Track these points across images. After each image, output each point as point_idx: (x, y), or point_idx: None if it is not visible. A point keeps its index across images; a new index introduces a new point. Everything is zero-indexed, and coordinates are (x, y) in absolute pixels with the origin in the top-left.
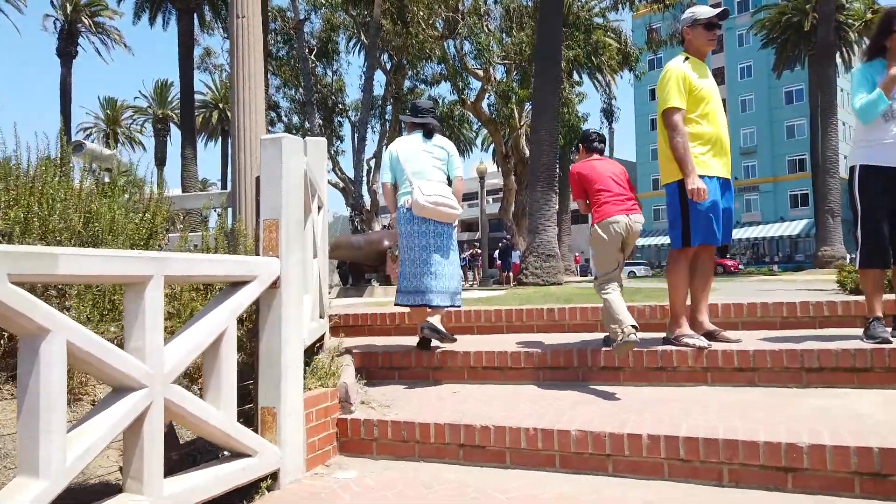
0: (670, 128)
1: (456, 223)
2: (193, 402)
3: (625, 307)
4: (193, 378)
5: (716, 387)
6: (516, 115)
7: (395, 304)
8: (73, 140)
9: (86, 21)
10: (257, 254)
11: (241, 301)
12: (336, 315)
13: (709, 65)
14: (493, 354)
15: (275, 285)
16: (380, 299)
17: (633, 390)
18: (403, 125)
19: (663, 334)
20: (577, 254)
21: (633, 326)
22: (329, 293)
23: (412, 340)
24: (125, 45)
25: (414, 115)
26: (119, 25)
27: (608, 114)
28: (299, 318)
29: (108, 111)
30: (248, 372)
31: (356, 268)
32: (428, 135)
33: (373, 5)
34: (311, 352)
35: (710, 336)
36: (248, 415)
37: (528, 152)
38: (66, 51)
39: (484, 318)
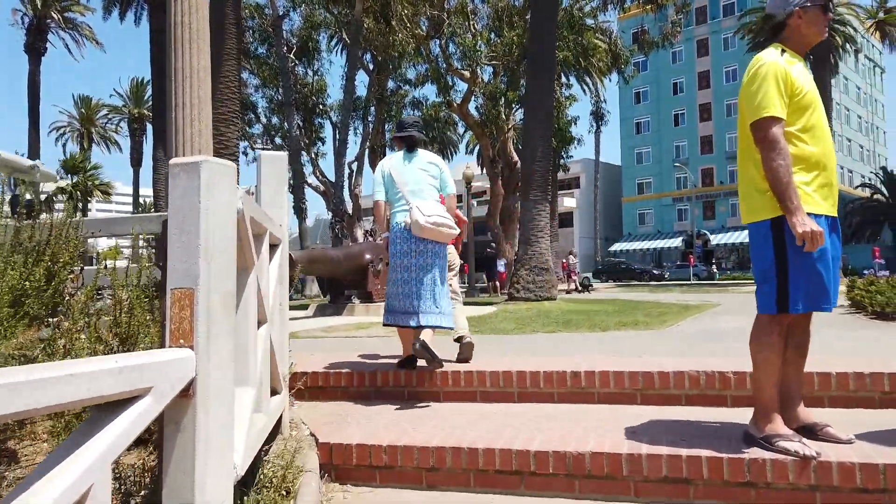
0: (767, 145)
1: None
2: None
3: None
4: None
5: None
6: (504, 117)
7: (385, 325)
8: None
9: (55, 16)
10: (162, 342)
11: (121, 432)
12: (302, 372)
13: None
14: (509, 454)
15: (187, 393)
16: (360, 318)
17: None
18: (393, 144)
19: (733, 420)
20: (563, 259)
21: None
22: (306, 310)
23: (398, 415)
24: (96, 42)
25: (399, 130)
26: (90, 21)
27: (598, 117)
28: (228, 439)
29: (82, 110)
30: None
31: (335, 284)
32: (410, 148)
33: (354, 2)
34: (259, 450)
35: (809, 433)
36: None
37: (515, 157)
38: (35, 47)
39: (490, 381)
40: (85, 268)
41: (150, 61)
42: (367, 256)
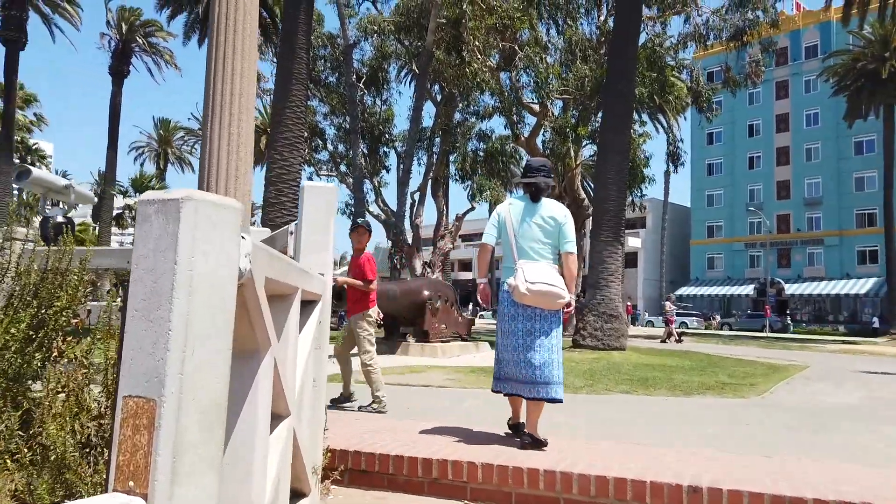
0: None
1: (568, 306)
2: None
3: None
4: None
5: None
6: (572, 153)
7: (493, 391)
8: (16, 165)
9: (140, 41)
10: (106, 483)
11: None
12: (342, 451)
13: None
14: None
15: None
16: (415, 360)
17: None
18: (514, 186)
19: None
20: (627, 303)
21: None
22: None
23: None
24: (176, 66)
25: (523, 175)
26: (170, 46)
27: (674, 157)
28: None
29: (160, 131)
30: None
31: (389, 321)
32: (535, 197)
33: (426, 33)
34: None
35: None
36: None
37: (583, 193)
38: (119, 70)
39: (579, 486)
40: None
41: None
42: (426, 293)
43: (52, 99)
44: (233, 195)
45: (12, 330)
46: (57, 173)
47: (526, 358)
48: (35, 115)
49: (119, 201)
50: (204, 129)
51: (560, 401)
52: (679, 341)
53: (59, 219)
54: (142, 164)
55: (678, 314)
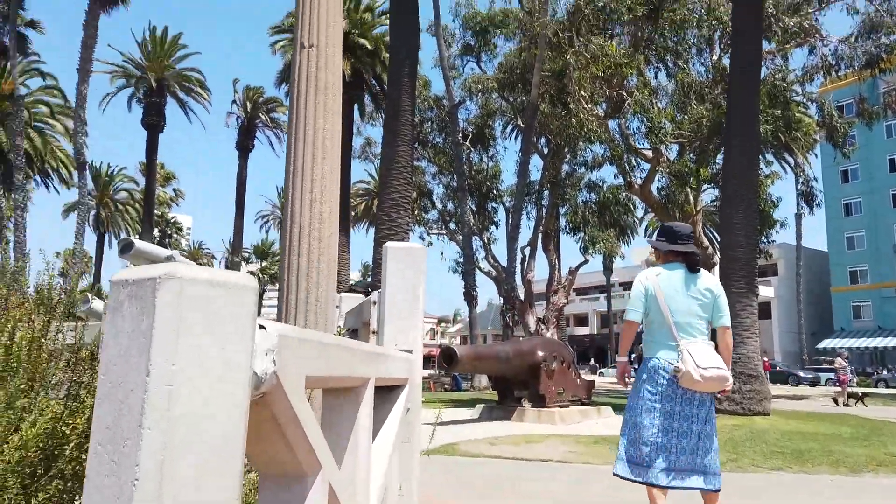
0: None
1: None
2: None
3: None
4: None
5: None
6: (692, 199)
7: (620, 476)
8: (121, 238)
9: (263, 117)
10: None
11: None
12: None
13: None
14: None
15: None
16: (531, 427)
17: None
18: (660, 256)
19: None
20: (764, 359)
21: None
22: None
23: None
24: None
25: (671, 241)
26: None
27: (808, 198)
28: None
29: (282, 199)
30: None
31: (503, 384)
32: (692, 267)
33: (530, 87)
34: None
35: None
36: None
37: (705, 241)
38: (244, 144)
39: None
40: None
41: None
42: (540, 354)
43: (188, 174)
44: (315, 261)
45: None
46: (194, 245)
47: (678, 443)
48: (174, 190)
49: (244, 268)
50: (286, 192)
51: (718, 490)
52: (853, 403)
53: None
54: (266, 231)
55: (823, 369)
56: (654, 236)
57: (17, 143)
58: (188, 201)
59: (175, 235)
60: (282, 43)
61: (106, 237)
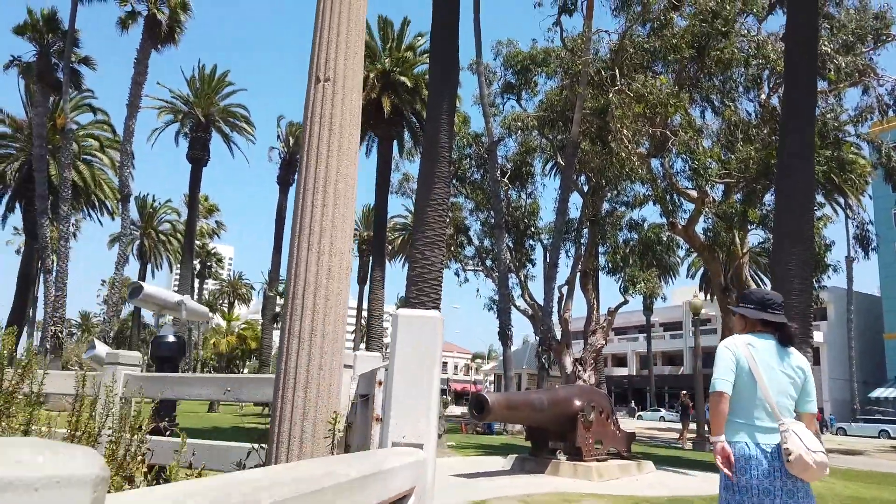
0: None
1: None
2: None
3: None
4: None
5: None
6: (738, 241)
7: None
8: (131, 282)
9: None
10: None
11: None
12: None
13: None
14: None
15: None
16: (566, 484)
17: None
18: (734, 316)
19: None
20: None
21: None
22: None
23: None
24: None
25: (762, 309)
26: None
27: (863, 242)
28: None
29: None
30: None
31: (537, 434)
32: (786, 342)
33: (570, 125)
34: None
35: None
36: None
37: (752, 285)
38: (285, 179)
39: None
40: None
41: (374, 187)
42: (577, 403)
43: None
44: (320, 323)
45: None
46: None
47: None
48: (216, 222)
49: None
50: (291, 242)
51: None
52: None
53: (171, 338)
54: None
55: (874, 420)
56: (738, 303)
57: (65, 176)
58: (232, 232)
59: (214, 266)
60: None
61: (149, 266)
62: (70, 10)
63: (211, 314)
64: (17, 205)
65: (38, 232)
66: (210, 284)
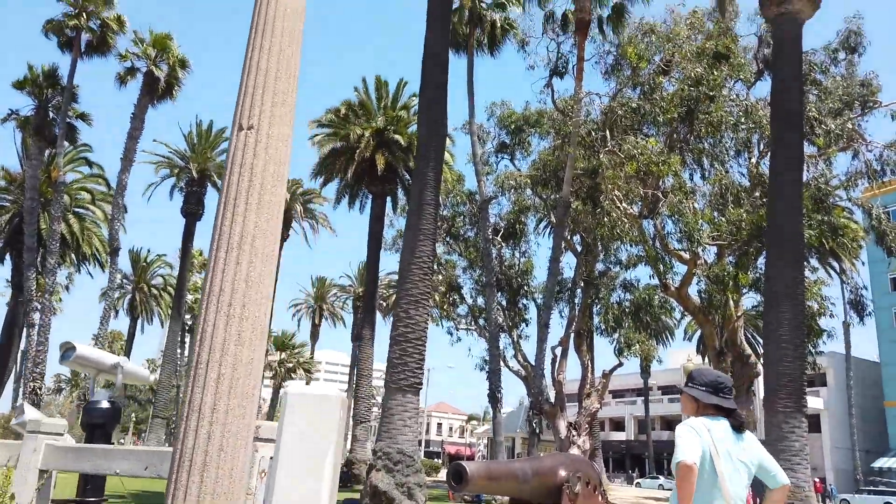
0: None
1: None
2: None
3: None
4: None
5: None
6: (732, 303)
7: None
8: (63, 343)
9: (299, 208)
10: None
11: None
12: None
13: None
14: None
15: None
16: None
17: None
18: (683, 395)
19: None
20: (815, 479)
21: None
22: None
23: None
24: (331, 228)
25: (714, 392)
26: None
27: (857, 308)
28: None
29: (316, 289)
30: None
31: None
32: (739, 428)
33: (562, 184)
34: None
35: None
36: None
37: (748, 348)
38: (281, 235)
39: None
40: None
41: (367, 243)
42: (562, 474)
43: None
44: (224, 396)
45: None
46: None
47: None
48: None
49: (277, 356)
50: (201, 303)
51: None
52: None
53: (104, 404)
54: (299, 320)
55: (878, 492)
56: (688, 382)
57: (55, 228)
58: None
59: None
60: (319, 137)
61: (139, 321)
62: (70, 65)
63: (153, 377)
64: (8, 257)
65: (25, 284)
66: None
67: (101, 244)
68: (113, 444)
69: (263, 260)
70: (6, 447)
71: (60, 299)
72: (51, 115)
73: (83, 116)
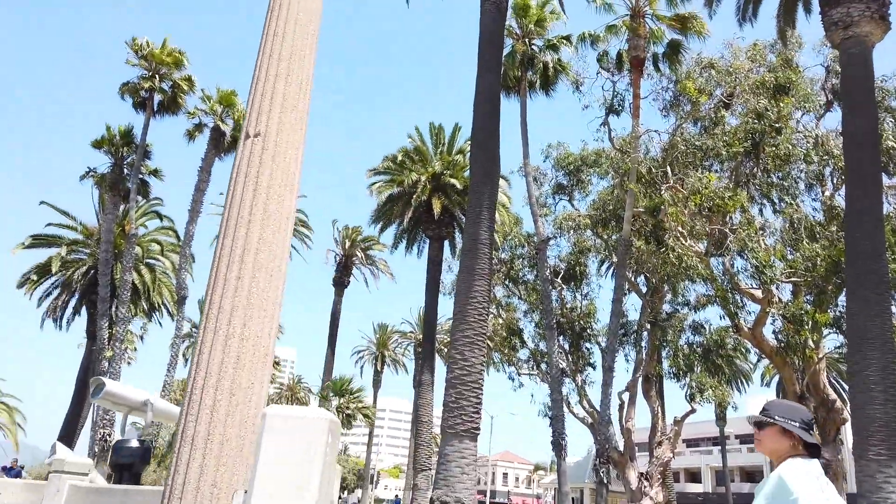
0: None
1: None
2: None
3: None
4: None
5: None
6: (812, 344)
7: None
8: (95, 378)
9: (359, 254)
10: None
11: None
12: None
13: None
14: None
15: None
16: None
17: None
18: (773, 428)
19: None
20: None
21: None
22: None
23: None
24: (390, 274)
25: (808, 429)
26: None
27: None
28: None
29: (378, 336)
30: None
31: None
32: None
33: (622, 225)
34: None
35: None
36: None
37: (832, 393)
38: (340, 281)
39: None
40: None
41: (425, 287)
42: None
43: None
44: (219, 425)
45: None
46: (294, 379)
47: None
48: None
49: (318, 403)
50: (200, 324)
51: None
52: None
53: (133, 443)
54: (362, 367)
55: None
56: (774, 415)
57: (126, 278)
58: (296, 334)
59: (273, 369)
60: (377, 184)
61: None
62: (143, 124)
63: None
64: (84, 308)
65: (98, 333)
66: (270, 388)
67: (171, 293)
68: (142, 483)
69: (268, 275)
70: (34, 489)
71: (135, 348)
72: (125, 171)
73: (155, 172)
